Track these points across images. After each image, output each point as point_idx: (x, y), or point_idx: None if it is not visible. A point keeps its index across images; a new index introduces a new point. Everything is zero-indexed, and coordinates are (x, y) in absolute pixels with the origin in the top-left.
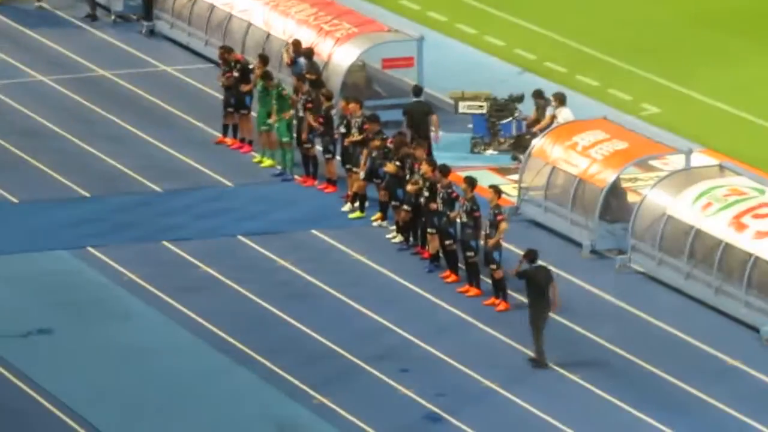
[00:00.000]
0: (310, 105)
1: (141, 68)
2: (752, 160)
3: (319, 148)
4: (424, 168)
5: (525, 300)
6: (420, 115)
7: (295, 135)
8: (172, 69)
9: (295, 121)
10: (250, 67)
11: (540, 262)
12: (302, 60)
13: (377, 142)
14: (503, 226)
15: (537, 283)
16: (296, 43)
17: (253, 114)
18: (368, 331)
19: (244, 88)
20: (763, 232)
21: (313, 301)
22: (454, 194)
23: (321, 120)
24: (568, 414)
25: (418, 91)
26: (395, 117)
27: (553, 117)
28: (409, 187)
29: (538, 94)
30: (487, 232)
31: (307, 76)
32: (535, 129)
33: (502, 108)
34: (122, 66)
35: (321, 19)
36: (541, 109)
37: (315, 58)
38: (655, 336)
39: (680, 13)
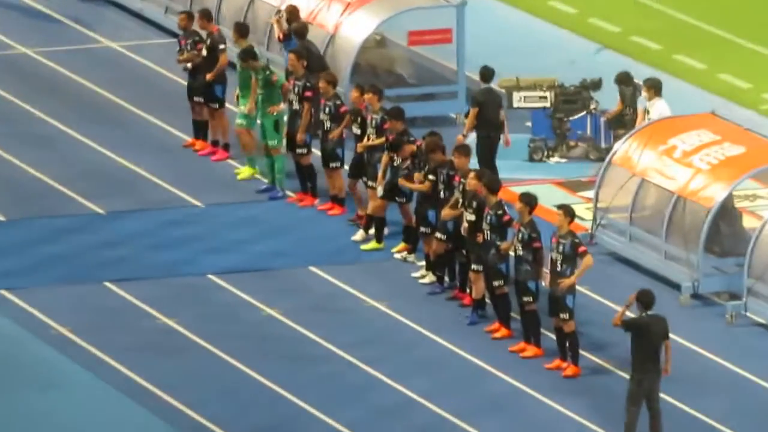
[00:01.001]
0: (309, 94)
1: (76, 44)
2: None
3: (318, 153)
4: (471, 182)
5: (601, 362)
6: (493, 108)
7: (285, 136)
8: (120, 45)
9: (286, 117)
10: (220, 47)
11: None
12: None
13: (413, 148)
14: (588, 260)
15: (650, 340)
16: (292, 11)
17: (230, 107)
18: (391, 408)
19: (208, 76)
20: None
21: (315, 365)
22: (507, 218)
23: (348, 117)
24: None
25: (488, 74)
26: (426, 111)
27: (645, 112)
28: (446, 211)
29: (623, 79)
30: (559, 269)
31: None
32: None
33: (573, 99)
34: (51, 41)
35: None
36: (627, 100)
37: (316, 32)
38: None
39: None
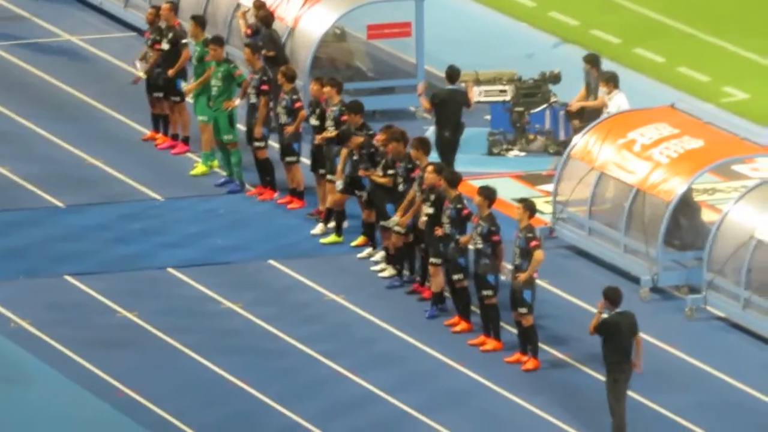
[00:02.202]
0: (265, 87)
1: (35, 38)
2: None
3: (275, 146)
4: (429, 175)
5: (561, 356)
6: (456, 108)
7: (245, 129)
8: (79, 39)
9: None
10: (183, 42)
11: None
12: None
13: (360, 139)
14: (538, 255)
15: (621, 338)
16: (259, 5)
17: (190, 100)
18: (349, 402)
19: (169, 72)
20: None
21: (273, 359)
22: (466, 211)
23: (302, 113)
24: None
25: (454, 74)
26: (385, 105)
27: (603, 102)
28: (401, 218)
29: (594, 60)
30: (516, 263)
31: (264, 51)
32: (572, 106)
33: (533, 92)
34: (10, 36)
35: None
36: (592, 84)
37: (276, 25)
38: (741, 406)
39: None
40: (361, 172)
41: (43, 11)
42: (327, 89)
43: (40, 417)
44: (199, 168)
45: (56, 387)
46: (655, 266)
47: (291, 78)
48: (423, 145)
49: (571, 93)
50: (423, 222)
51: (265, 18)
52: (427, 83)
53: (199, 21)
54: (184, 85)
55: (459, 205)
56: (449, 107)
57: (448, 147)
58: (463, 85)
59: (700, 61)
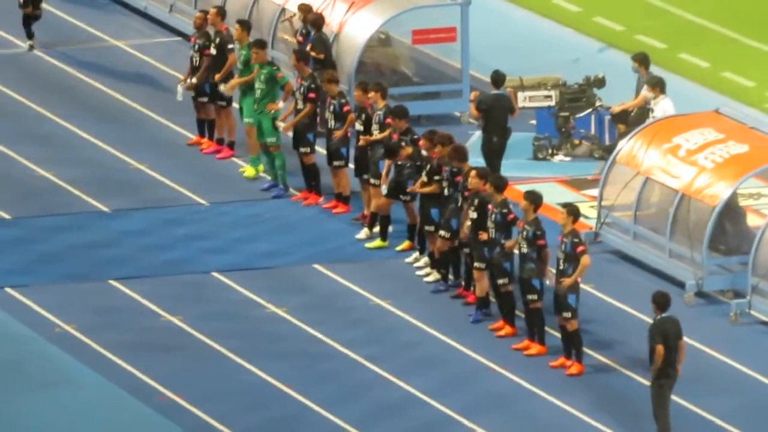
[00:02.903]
0: (312, 95)
1: (81, 43)
2: None
3: (322, 151)
4: (473, 180)
5: (606, 360)
6: (502, 113)
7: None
8: (124, 43)
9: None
10: (230, 47)
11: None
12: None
13: (409, 150)
14: (585, 260)
15: (669, 343)
16: (305, 9)
17: (236, 105)
18: (393, 405)
19: (216, 77)
20: None
21: (318, 363)
22: (512, 216)
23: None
24: None
25: (499, 79)
26: (430, 110)
27: (645, 100)
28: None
29: (640, 59)
30: (561, 268)
31: (313, 53)
32: (615, 108)
33: (577, 97)
34: (55, 39)
35: None
36: (639, 83)
37: (325, 29)
38: None
39: None
40: (409, 189)
41: (87, 16)
42: (372, 94)
43: (84, 420)
44: (249, 171)
45: (100, 391)
46: (700, 271)
47: (337, 82)
48: (457, 152)
49: (615, 97)
50: (467, 227)
51: (316, 21)
52: (481, 92)
53: (245, 25)
54: (223, 87)
55: (504, 210)
56: (495, 112)
57: (495, 152)
58: (508, 90)
59: (745, 66)
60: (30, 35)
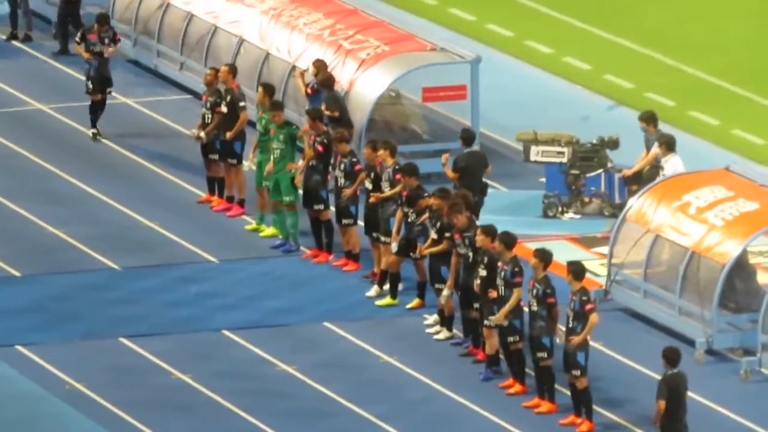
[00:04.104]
0: (320, 149)
1: (87, 100)
2: None
3: (332, 209)
4: (479, 238)
5: (616, 418)
6: (477, 170)
7: (301, 192)
8: (134, 101)
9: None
10: (241, 104)
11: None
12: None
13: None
14: (593, 318)
15: (677, 398)
16: (320, 65)
17: (246, 163)
18: None
19: (227, 135)
20: None
21: (328, 421)
22: (518, 279)
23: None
24: None
25: (470, 137)
26: (440, 168)
27: (655, 158)
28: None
29: (650, 118)
30: (570, 325)
31: (328, 112)
32: (626, 171)
33: (590, 156)
34: (64, 97)
35: (340, 34)
36: (649, 142)
37: (336, 87)
38: None
39: None
40: (424, 251)
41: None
42: (381, 152)
43: None
44: (268, 230)
45: None
46: (710, 328)
47: (348, 141)
48: (455, 207)
49: (627, 157)
50: (477, 285)
51: (327, 81)
52: (450, 152)
53: (269, 90)
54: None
55: (516, 268)
56: (472, 170)
57: (475, 210)
58: (477, 147)
59: (755, 124)
60: (94, 123)
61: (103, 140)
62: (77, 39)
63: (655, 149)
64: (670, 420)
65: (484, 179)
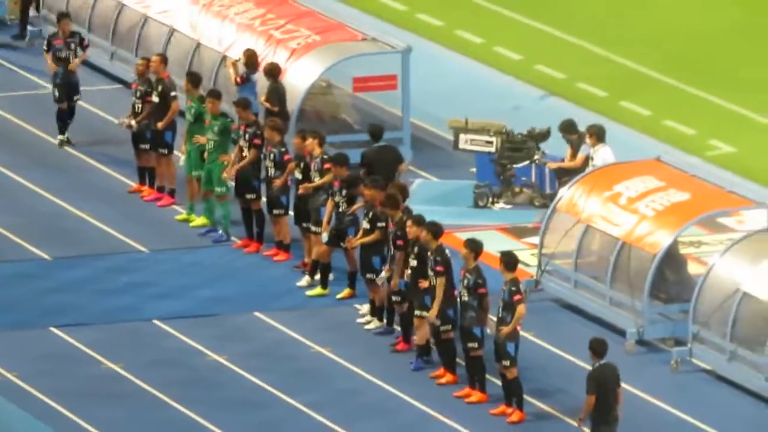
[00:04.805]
0: (258, 141)
1: (18, 89)
2: None
3: (263, 200)
4: (411, 229)
5: (547, 407)
6: (386, 166)
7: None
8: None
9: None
10: (172, 94)
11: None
12: (254, 78)
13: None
14: (521, 309)
15: (606, 390)
16: (251, 55)
17: (177, 154)
18: None
19: (159, 125)
20: None
21: (259, 410)
22: (439, 269)
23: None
24: None
25: (377, 132)
26: None
27: (587, 158)
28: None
29: (567, 128)
30: (500, 315)
31: (268, 105)
32: (551, 165)
33: (518, 147)
34: None
35: (270, 24)
36: (575, 148)
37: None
38: None
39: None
40: (356, 242)
41: (25, 62)
42: (309, 141)
43: None
44: (199, 219)
45: None
46: (640, 319)
47: (279, 131)
48: (390, 200)
49: (560, 147)
50: (407, 275)
51: (271, 70)
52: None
53: (193, 78)
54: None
55: (439, 257)
56: (380, 166)
57: None
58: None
59: (686, 114)
60: (62, 130)
61: (68, 148)
62: (44, 48)
63: (585, 151)
64: (600, 412)
65: (398, 175)
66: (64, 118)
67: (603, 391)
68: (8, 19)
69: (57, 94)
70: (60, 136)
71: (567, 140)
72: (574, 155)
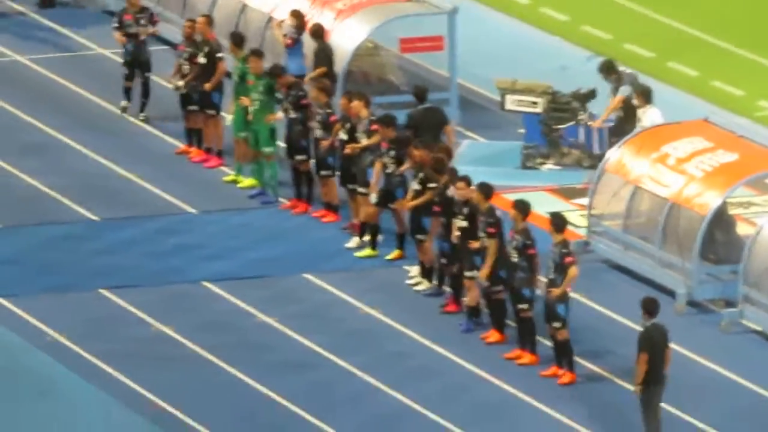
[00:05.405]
0: (306, 101)
1: (68, 51)
2: None
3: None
4: (462, 191)
5: (597, 369)
6: (431, 128)
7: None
8: (112, 53)
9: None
10: (219, 55)
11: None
12: (302, 39)
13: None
14: (573, 271)
15: (658, 348)
16: (297, 15)
17: (224, 115)
18: (384, 416)
19: (206, 86)
20: None
21: (309, 372)
22: (491, 230)
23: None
24: None
25: (422, 93)
26: None
27: (624, 100)
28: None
29: (605, 68)
30: (551, 277)
31: (315, 72)
32: (596, 123)
33: (562, 107)
34: (43, 48)
35: None
36: (614, 89)
37: (307, 40)
38: None
39: None
40: (409, 204)
41: (75, 24)
42: (355, 103)
43: (74, 430)
44: (247, 181)
45: (93, 400)
46: (690, 280)
47: (326, 92)
48: (437, 164)
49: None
50: (456, 236)
51: (316, 30)
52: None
53: (236, 38)
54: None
55: (491, 219)
56: (425, 128)
57: None
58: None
59: (734, 76)
60: (142, 108)
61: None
62: (114, 24)
63: (619, 95)
64: (650, 371)
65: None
66: (136, 95)
67: (653, 351)
68: None
69: (127, 71)
70: (123, 102)
71: (606, 80)
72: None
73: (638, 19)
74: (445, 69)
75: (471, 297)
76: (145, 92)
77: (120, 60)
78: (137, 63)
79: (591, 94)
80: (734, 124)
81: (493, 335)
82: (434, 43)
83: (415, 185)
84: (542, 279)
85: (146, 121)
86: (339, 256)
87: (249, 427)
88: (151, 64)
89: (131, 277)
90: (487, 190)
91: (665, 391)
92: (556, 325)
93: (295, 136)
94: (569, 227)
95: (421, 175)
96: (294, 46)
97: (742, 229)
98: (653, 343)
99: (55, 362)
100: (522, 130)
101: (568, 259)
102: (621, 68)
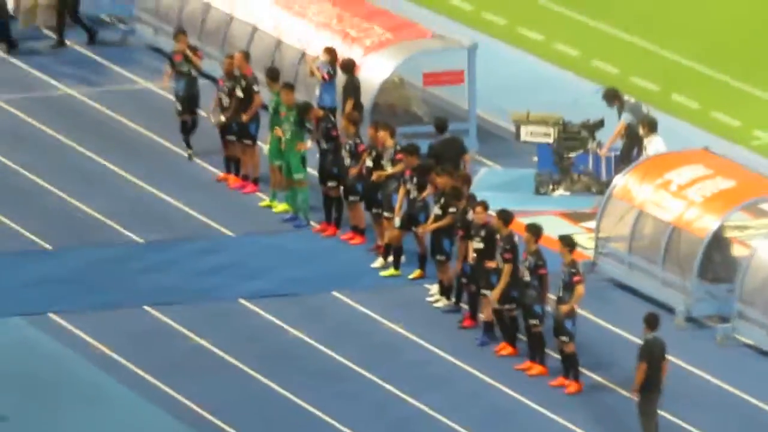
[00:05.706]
0: (335, 133)
1: (116, 85)
2: None
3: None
4: (480, 215)
5: (601, 379)
6: (452, 157)
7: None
8: (156, 87)
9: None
10: (255, 89)
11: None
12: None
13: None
14: (580, 289)
15: (656, 359)
16: (330, 51)
17: (261, 144)
18: (405, 420)
19: (244, 117)
20: None
21: (335, 382)
22: (507, 256)
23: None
24: None
25: (442, 125)
26: None
27: (627, 127)
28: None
29: (611, 96)
30: (560, 295)
31: (347, 105)
32: (602, 151)
33: (573, 137)
34: (93, 82)
35: (346, 22)
36: (618, 114)
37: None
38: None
39: None
40: (429, 227)
41: (121, 59)
42: (381, 133)
43: None
44: (280, 206)
45: (134, 408)
46: (689, 297)
47: (354, 123)
48: (453, 192)
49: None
50: (472, 258)
51: (347, 65)
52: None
53: (272, 73)
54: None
55: (508, 246)
56: (445, 157)
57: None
58: (448, 135)
59: (732, 108)
60: (188, 143)
61: (194, 158)
62: (167, 67)
63: (621, 121)
64: (648, 380)
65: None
66: (188, 131)
67: (652, 361)
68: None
69: (180, 107)
70: (188, 150)
71: (609, 107)
72: (623, 140)
73: (644, 54)
74: (464, 101)
75: (487, 313)
76: (194, 125)
77: (165, 94)
78: (188, 98)
79: (599, 124)
80: (732, 153)
81: (505, 348)
82: (455, 77)
83: (436, 210)
84: (552, 297)
85: (191, 158)
86: (365, 276)
87: (279, 430)
88: (199, 99)
89: (174, 295)
90: (506, 216)
91: (663, 399)
92: (564, 339)
93: (327, 164)
94: (578, 249)
95: (442, 200)
96: (330, 81)
97: (737, 251)
98: (652, 354)
99: (101, 373)
100: (535, 159)
101: (576, 279)
102: (625, 97)
